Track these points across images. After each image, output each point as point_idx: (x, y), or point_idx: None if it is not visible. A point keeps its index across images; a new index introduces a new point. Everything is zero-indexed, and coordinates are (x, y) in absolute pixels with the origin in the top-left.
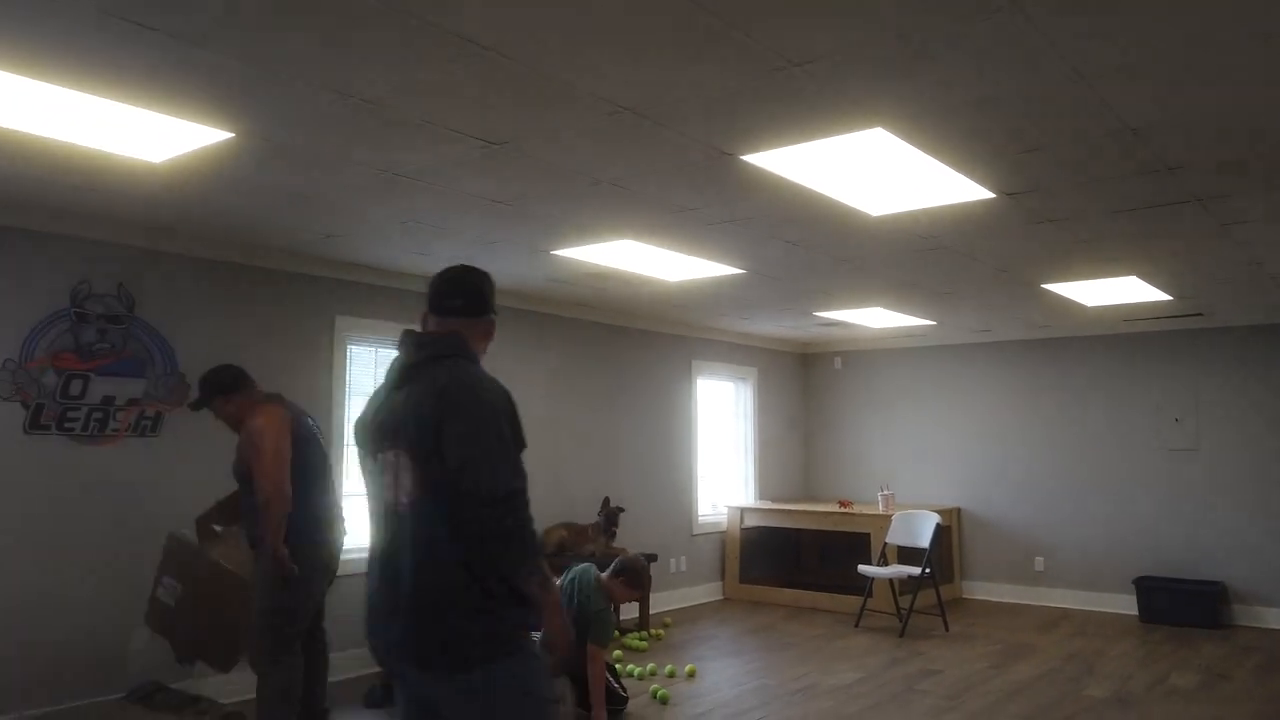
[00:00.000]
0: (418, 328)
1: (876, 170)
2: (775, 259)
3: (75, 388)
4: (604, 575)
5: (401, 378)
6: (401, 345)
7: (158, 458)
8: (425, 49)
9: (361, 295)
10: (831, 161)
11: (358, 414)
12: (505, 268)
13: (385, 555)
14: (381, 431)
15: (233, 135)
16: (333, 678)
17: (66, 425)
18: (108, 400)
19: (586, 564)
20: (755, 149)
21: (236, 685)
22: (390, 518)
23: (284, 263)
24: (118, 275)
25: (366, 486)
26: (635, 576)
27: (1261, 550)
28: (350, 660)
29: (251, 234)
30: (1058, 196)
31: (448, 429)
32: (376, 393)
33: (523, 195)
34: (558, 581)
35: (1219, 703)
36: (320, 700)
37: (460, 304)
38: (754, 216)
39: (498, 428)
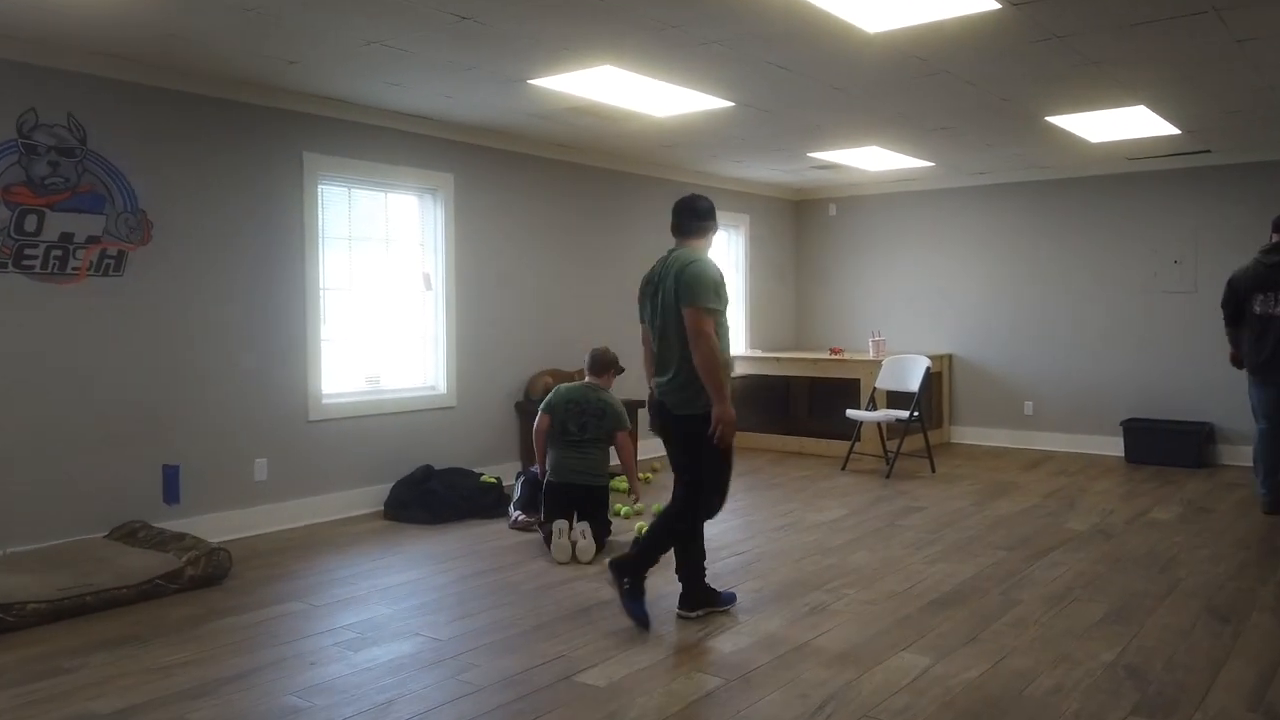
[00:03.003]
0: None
1: None
2: (765, 88)
3: (30, 223)
4: (594, 378)
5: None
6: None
7: (123, 298)
8: None
9: (333, 131)
10: None
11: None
12: (482, 100)
13: (1264, 329)
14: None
15: None
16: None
17: (24, 263)
18: (66, 238)
19: (574, 383)
20: None
21: (221, 525)
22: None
23: (246, 94)
24: (66, 104)
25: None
26: (603, 363)
27: None
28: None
29: (207, 61)
30: (1067, 6)
31: None
32: (1252, 272)
33: (490, 8)
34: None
35: (1199, 534)
36: None
37: None
38: (742, 34)
39: None
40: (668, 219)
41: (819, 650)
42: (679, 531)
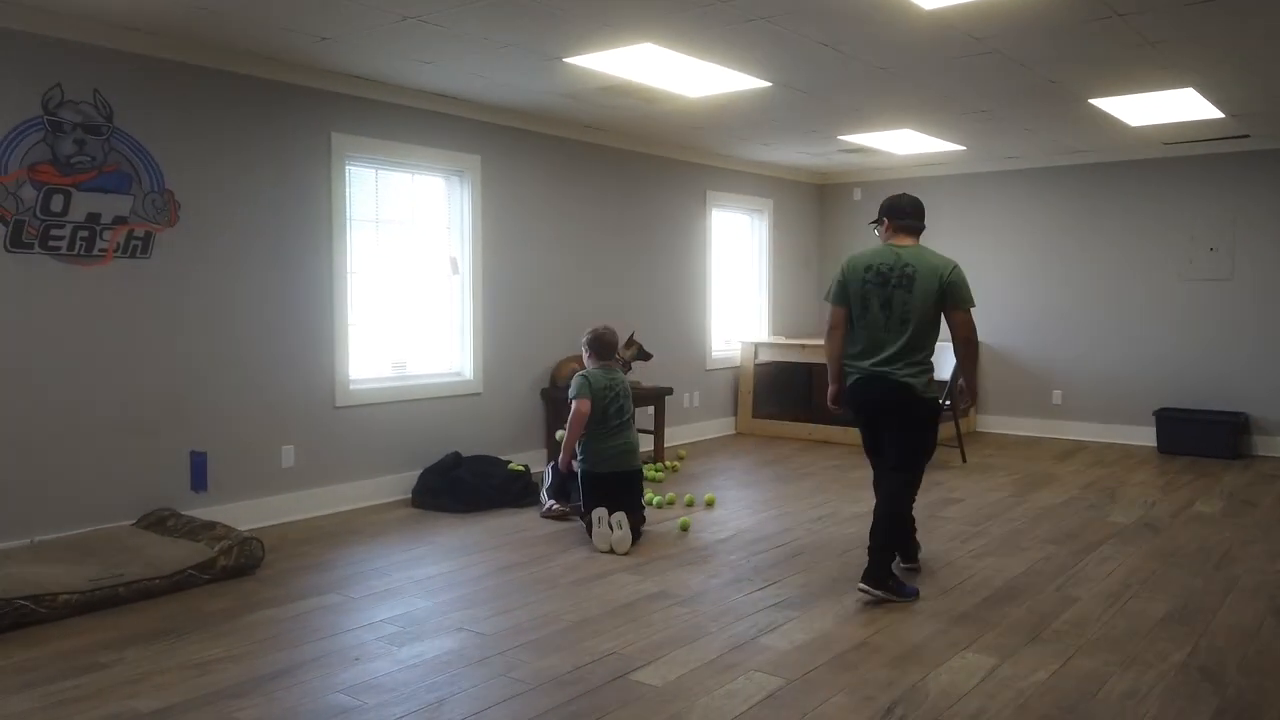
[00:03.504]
0: None
1: None
2: (807, 68)
3: (57, 204)
4: (605, 363)
5: None
6: None
7: (150, 281)
8: None
9: (361, 110)
10: None
11: None
12: (514, 80)
13: None
14: None
15: None
16: None
17: (51, 244)
18: (93, 218)
19: (596, 370)
20: None
21: (249, 513)
22: None
23: (276, 71)
24: (92, 80)
25: None
26: (612, 344)
27: None
28: None
29: (237, 36)
30: None
31: None
32: None
33: None
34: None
35: (1247, 528)
36: None
37: None
38: (791, 10)
39: None
40: (692, 203)
41: (878, 649)
42: (910, 504)
